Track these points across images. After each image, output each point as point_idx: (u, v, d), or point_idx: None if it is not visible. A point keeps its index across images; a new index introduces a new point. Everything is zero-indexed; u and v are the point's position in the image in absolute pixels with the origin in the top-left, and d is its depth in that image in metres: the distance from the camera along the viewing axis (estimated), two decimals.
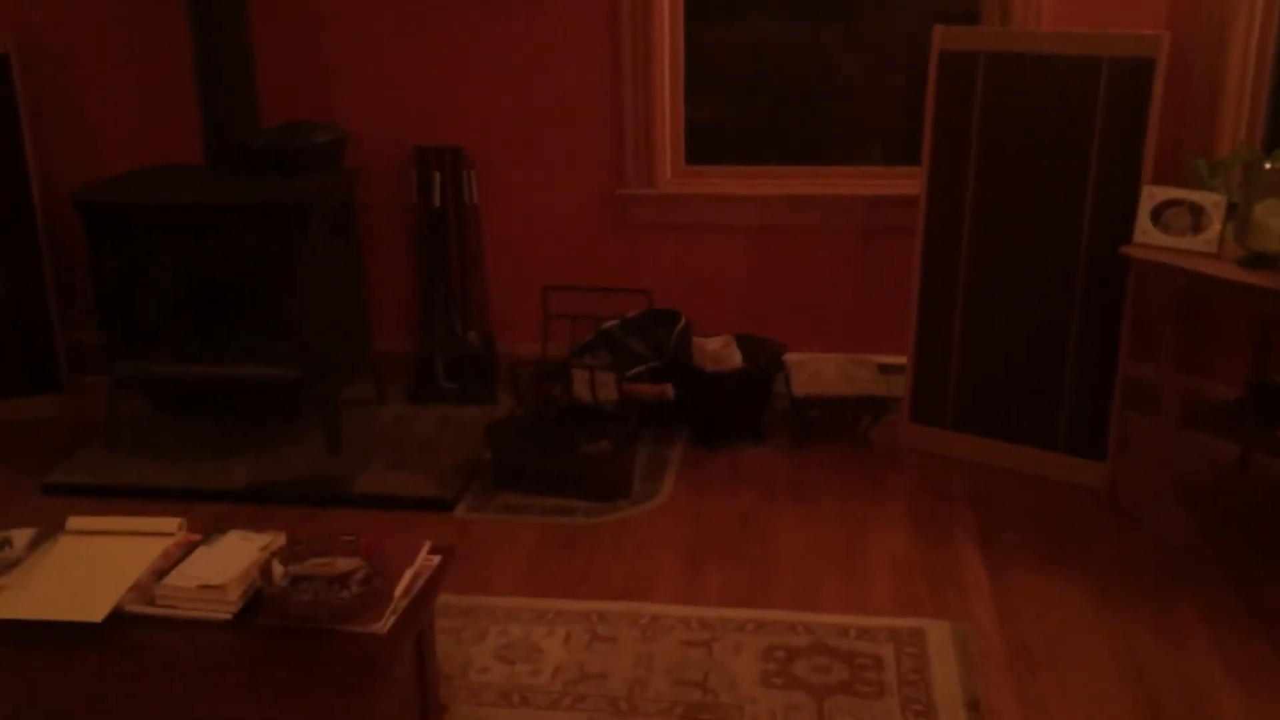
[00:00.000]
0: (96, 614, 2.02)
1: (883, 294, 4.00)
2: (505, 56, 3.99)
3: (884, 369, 3.94)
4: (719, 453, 3.79)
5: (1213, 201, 3.02)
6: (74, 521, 2.31)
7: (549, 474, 3.53)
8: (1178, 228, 3.06)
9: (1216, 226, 3.01)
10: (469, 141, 4.06)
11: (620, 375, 3.82)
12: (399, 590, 2.12)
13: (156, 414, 3.93)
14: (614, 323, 4.00)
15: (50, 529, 2.31)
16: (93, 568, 2.16)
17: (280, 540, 2.22)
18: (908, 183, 3.83)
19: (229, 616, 2.05)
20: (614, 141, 4.03)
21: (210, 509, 3.48)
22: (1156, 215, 3.10)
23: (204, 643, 2.01)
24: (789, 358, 3.94)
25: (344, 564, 2.08)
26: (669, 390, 3.78)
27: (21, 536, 2.26)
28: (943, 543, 3.24)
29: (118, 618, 2.04)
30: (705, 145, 4.16)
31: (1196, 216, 3.04)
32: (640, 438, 3.75)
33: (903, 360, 3.78)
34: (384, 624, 2.04)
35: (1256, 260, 2.89)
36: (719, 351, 3.69)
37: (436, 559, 2.27)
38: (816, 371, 3.87)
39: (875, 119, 4.13)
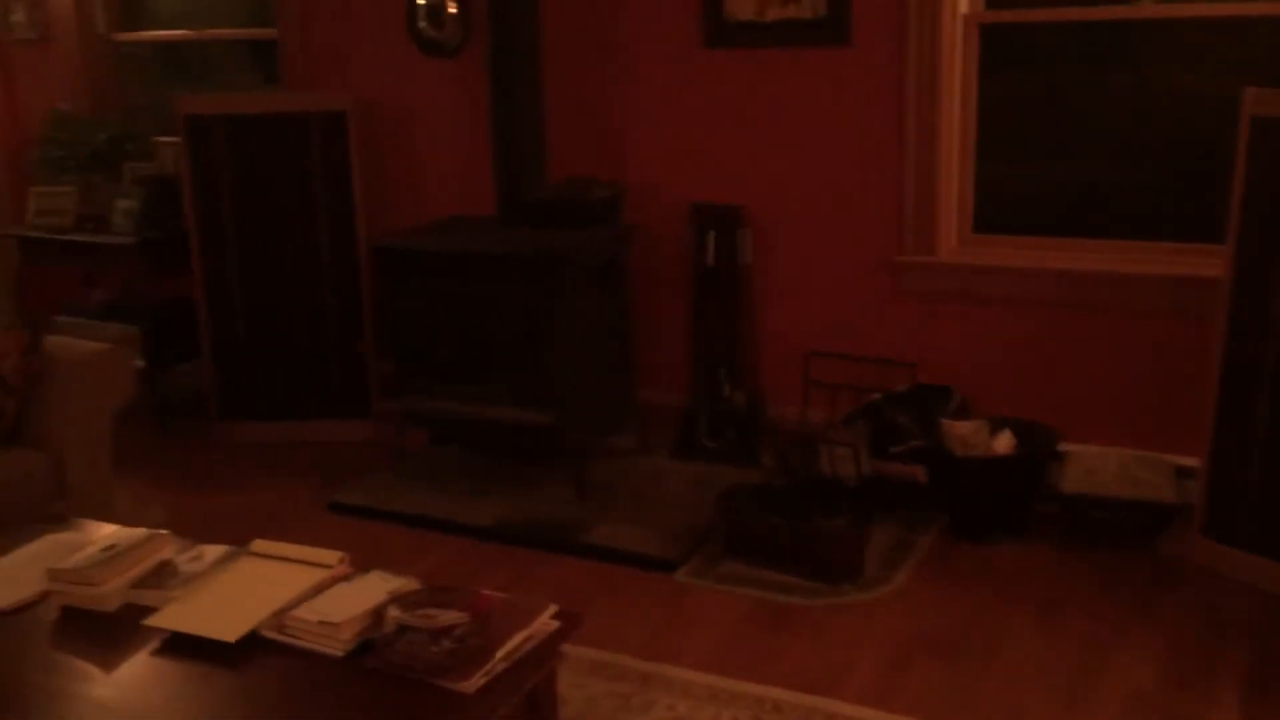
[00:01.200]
0: (232, 634, 2.18)
1: (1183, 385, 3.53)
2: (788, 115, 3.94)
3: (1182, 472, 3.47)
4: (974, 546, 3.49)
5: None
6: (258, 544, 2.51)
7: (779, 547, 3.40)
8: None
9: None
10: (747, 200, 4.04)
11: (873, 451, 3.64)
12: (502, 651, 2.12)
13: (435, 445, 4.21)
14: (879, 396, 3.81)
15: (241, 549, 2.53)
16: (254, 590, 2.33)
17: (410, 585, 2.30)
18: (1214, 261, 3.36)
19: (341, 654, 2.15)
20: (895, 205, 3.85)
21: (458, 542, 3.69)
22: None
23: (311, 676, 2.11)
24: (1067, 449, 3.57)
25: (447, 617, 2.11)
26: (920, 472, 3.54)
27: (212, 552, 2.49)
28: (1197, 682, 2.80)
29: (250, 640, 2.19)
30: (998, 211, 3.88)
31: None
32: (882, 520, 3.54)
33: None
34: (473, 683, 2.05)
35: None
36: (969, 436, 3.41)
37: (556, 624, 2.25)
38: (1095, 467, 3.47)
39: (1181, 188, 3.67)
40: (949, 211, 3.85)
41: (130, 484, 4.14)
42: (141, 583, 2.38)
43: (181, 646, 2.21)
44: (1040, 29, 3.76)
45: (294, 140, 4.32)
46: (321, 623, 2.17)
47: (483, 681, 2.07)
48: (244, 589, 2.36)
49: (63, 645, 2.28)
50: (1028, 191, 3.93)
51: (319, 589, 2.33)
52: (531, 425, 3.78)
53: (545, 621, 2.25)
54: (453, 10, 4.34)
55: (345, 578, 2.36)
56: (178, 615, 2.27)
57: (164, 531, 2.57)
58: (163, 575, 2.41)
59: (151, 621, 2.25)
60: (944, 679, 2.85)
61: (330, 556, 2.44)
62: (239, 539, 2.59)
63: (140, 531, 2.54)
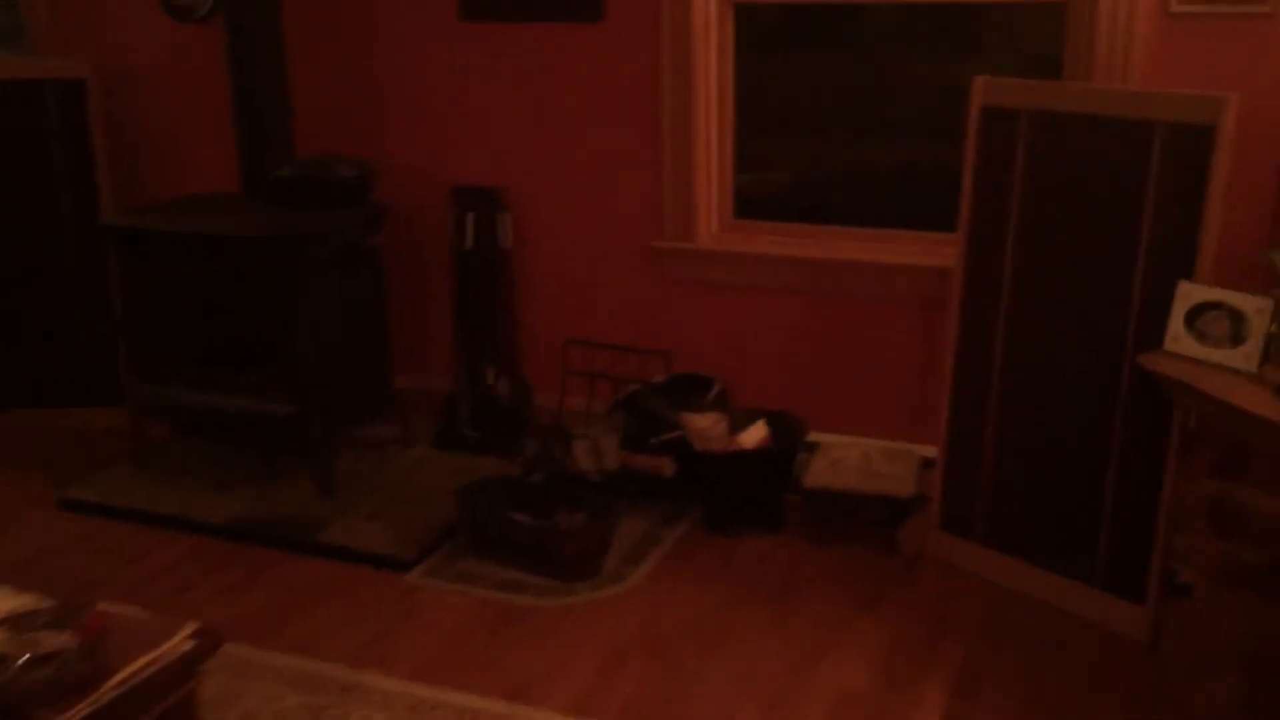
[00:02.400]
0: None
1: (932, 376, 3.51)
2: (547, 93, 3.80)
3: (930, 463, 3.45)
4: (724, 540, 3.42)
5: (1256, 307, 2.41)
6: None
7: (518, 544, 3.29)
8: (1214, 337, 2.47)
9: (1256, 339, 2.40)
10: (508, 182, 3.89)
11: (634, 443, 3.54)
12: (116, 678, 1.95)
13: (180, 438, 3.98)
14: (640, 386, 3.71)
15: None
16: None
17: (33, 604, 2.11)
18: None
19: None
20: (654, 189, 3.75)
21: (190, 540, 3.49)
22: (1191, 319, 2.52)
23: None
24: (819, 440, 3.52)
25: (51, 642, 1.94)
26: (666, 465, 3.46)
27: None
28: (911, 682, 2.76)
29: None
30: (757, 198, 3.81)
31: (1237, 324, 2.44)
32: (638, 513, 3.45)
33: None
34: (72, 715, 1.88)
35: None
36: (709, 429, 3.34)
37: (192, 644, 2.09)
38: (838, 459, 3.43)
39: (934, 176, 3.64)
40: (708, 196, 3.76)
41: None
42: None
43: None
44: (794, 10, 3.68)
45: (30, 109, 4.03)
46: None
47: (86, 712, 1.90)
48: None
49: None
50: (789, 177, 3.87)
51: None
52: (273, 416, 3.59)
53: (180, 643, 2.08)
54: None
55: None
56: None
57: None
58: None
59: None
60: (656, 683, 2.77)
61: None
62: None
63: None
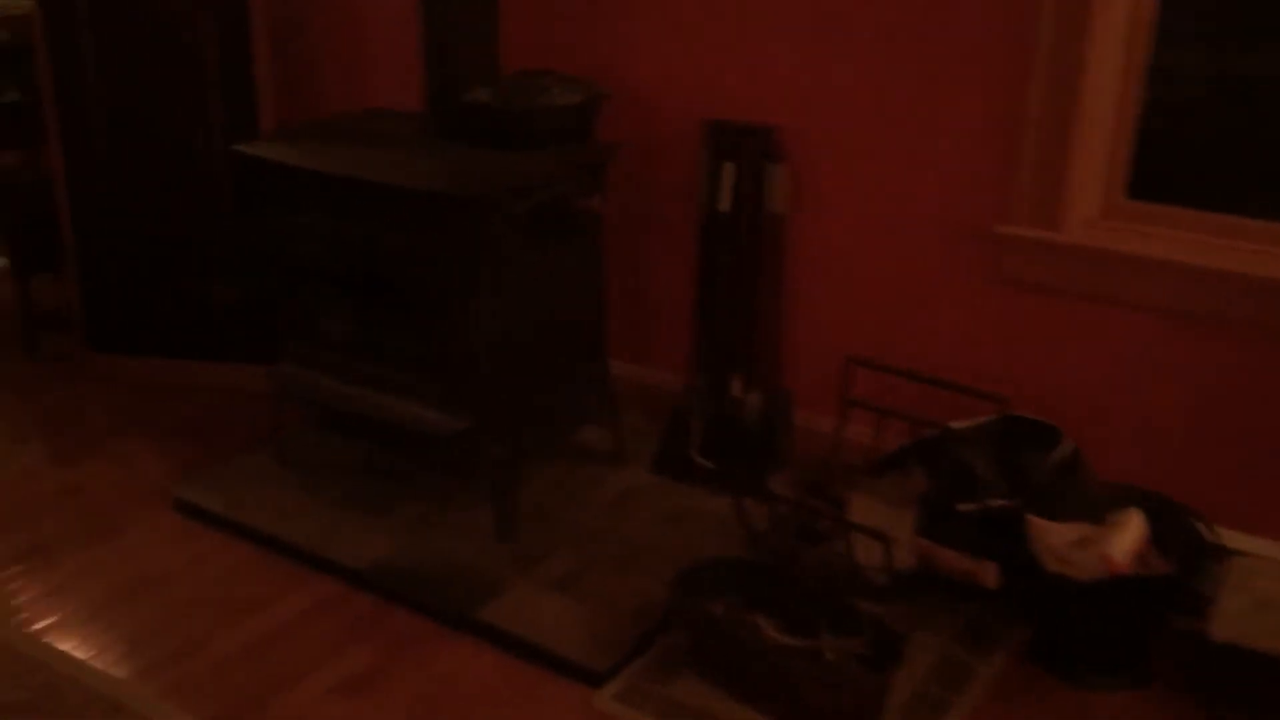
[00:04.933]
0: None
1: None
2: (852, 9, 2.61)
3: None
4: (1065, 690, 2.28)
5: None
6: None
7: (756, 670, 2.25)
8: None
9: None
10: (787, 121, 2.74)
11: (930, 512, 2.43)
12: None
13: (326, 431, 3.09)
14: (946, 429, 2.56)
15: None
16: None
17: None
18: None
19: None
20: (1002, 146, 2.53)
21: (320, 585, 2.61)
22: None
23: None
24: (1230, 547, 2.31)
25: None
26: (991, 574, 2.32)
27: None
28: None
29: None
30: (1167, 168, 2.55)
31: None
32: (928, 620, 2.35)
33: None
34: None
35: None
36: (1069, 552, 2.16)
37: None
38: (1267, 593, 2.21)
39: None
40: (1089, 162, 2.51)
41: None
42: None
43: None
44: None
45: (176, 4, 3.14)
46: None
47: None
48: None
49: None
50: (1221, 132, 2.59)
51: None
52: (437, 430, 2.63)
53: None
54: None
55: None
56: None
57: None
58: None
59: None
60: None
61: None
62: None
63: None
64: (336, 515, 2.79)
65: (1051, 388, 2.60)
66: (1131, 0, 2.42)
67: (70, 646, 2.41)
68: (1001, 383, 2.58)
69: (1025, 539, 2.22)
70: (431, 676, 2.35)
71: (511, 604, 2.49)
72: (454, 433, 2.60)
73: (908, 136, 2.62)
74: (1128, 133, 2.51)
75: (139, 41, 3.16)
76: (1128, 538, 2.25)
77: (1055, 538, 2.17)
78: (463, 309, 2.51)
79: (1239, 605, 2.20)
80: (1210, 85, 2.65)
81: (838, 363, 2.73)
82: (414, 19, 2.74)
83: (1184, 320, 2.43)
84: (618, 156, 2.78)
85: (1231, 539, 2.39)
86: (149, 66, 3.18)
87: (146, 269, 3.37)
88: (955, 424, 2.55)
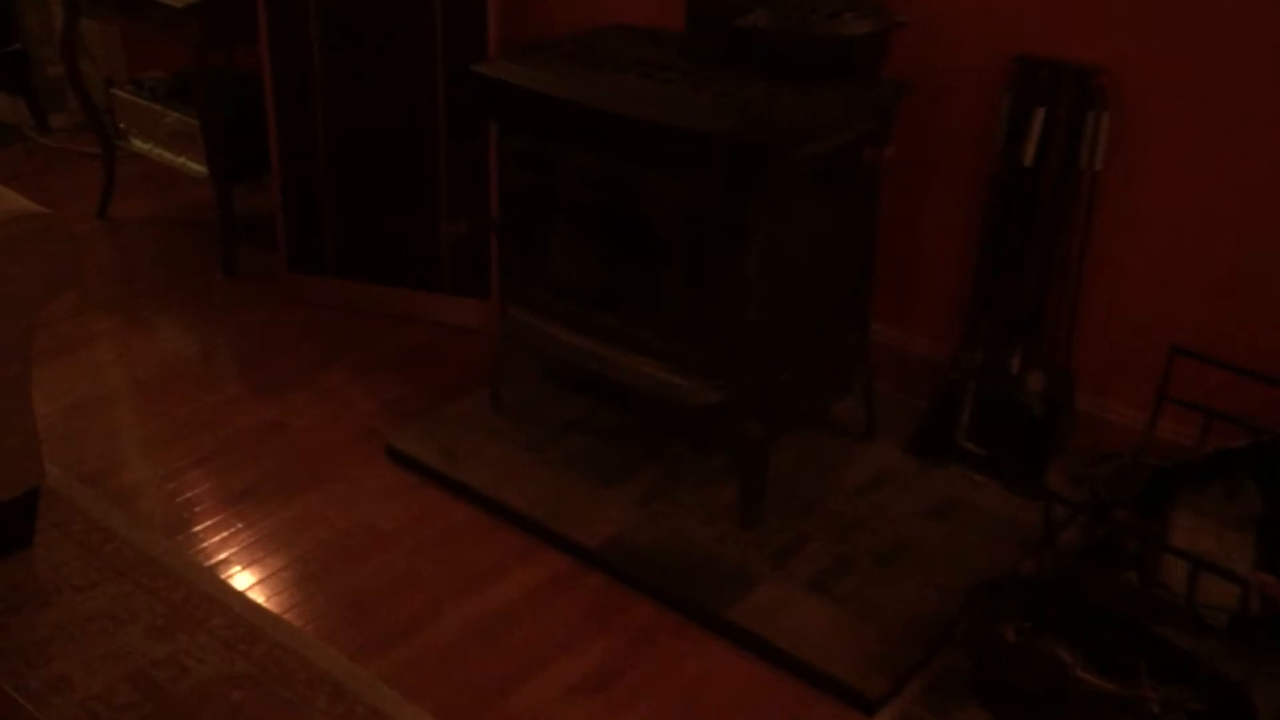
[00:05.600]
0: None
1: None
2: None
3: None
4: None
5: None
6: None
7: (1055, 716, 1.94)
8: None
9: None
10: (1112, 60, 2.32)
11: (1269, 546, 2.06)
12: None
13: (550, 381, 2.83)
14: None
15: None
16: None
17: None
18: None
19: None
20: None
21: (547, 560, 2.37)
22: None
23: None
24: None
25: None
26: None
27: None
28: None
29: None
30: None
31: None
32: (1261, 699, 1.99)
33: None
34: None
35: None
36: None
37: None
38: None
39: None
40: None
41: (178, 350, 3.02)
42: None
43: None
44: None
45: None
46: None
47: None
48: None
49: None
50: None
51: None
52: (687, 400, 2.34)
53: None
54: None
55: None
56: None
57: None
58: None
59: None
60: None
61: None
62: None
63: None
64: (561, 480, 2.54)
65: None
66: None
67: (285, 610, 2.23)
68: None
69: None
70: (680, 683, 2.09)
71: (766, 604, 2.21)
72: (708, 404, 2.31)
73: (1272, 84, 2.18)
74: None
75: None
76: None
77: None
78: (731, 267, 2.20)
79: None
80: None
81: (1146, 347, 2.34)
82: None
83: None
84: (910, 96, 2.39)
85: None
86: None
87: (360, 192, 3.13)
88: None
